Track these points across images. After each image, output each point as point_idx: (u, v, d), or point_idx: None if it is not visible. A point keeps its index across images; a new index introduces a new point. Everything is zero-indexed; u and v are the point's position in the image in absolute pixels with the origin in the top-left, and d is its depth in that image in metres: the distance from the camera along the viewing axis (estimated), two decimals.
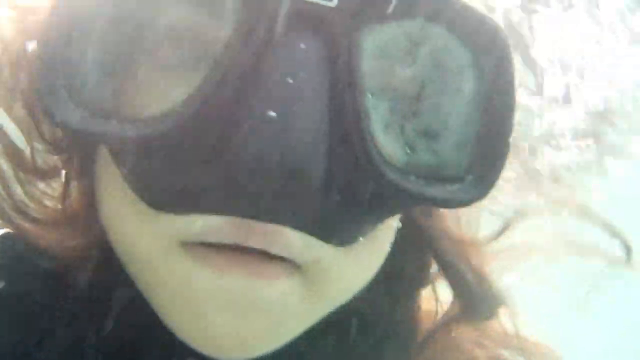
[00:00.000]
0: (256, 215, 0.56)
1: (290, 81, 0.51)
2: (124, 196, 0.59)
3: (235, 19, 0.54)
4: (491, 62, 0.59)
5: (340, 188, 0.56)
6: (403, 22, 0.57)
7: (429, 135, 0.61)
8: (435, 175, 0.60)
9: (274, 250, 0.57)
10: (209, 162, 0.53)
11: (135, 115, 0.57)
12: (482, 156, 0.60)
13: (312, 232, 0.58)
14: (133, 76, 0.58)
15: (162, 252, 0.60)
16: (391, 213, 0.63)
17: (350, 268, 0.63)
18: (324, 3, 0.53)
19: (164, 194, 0.57)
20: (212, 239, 0.57)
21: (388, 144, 0.58)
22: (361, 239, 0.62)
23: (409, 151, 0.60)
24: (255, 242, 0.57)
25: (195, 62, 0.56)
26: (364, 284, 0.68)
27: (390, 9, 0.55)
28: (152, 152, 0.56)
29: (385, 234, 0.66)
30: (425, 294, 0.88)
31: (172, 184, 0.56)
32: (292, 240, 0.58)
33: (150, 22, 0.57)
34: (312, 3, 0.53)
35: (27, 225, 0.77)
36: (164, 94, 0.56)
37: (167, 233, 0.59)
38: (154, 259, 0.61)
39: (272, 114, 0.50)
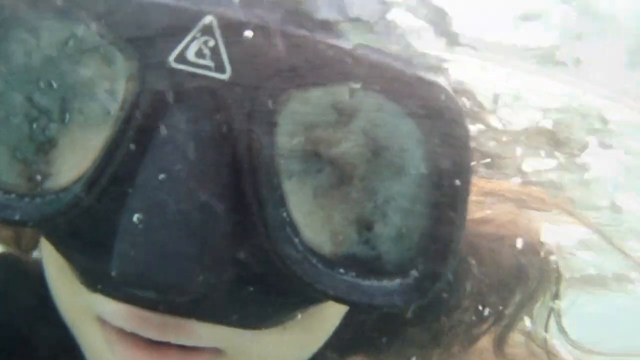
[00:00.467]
0: (151, 307, 0.51)
1: (176, 173, 0.45)
2: (57, 263, 0.58)
3: (120, 101, 0.49)
4: (441, 137, 0.49)
5: (248, 279, 0.51)
6: (327, 88, 0.48)
7: (362, 223, 0.52)
8: (371, 269, 0.52)
9: (176, 341, 0.53)
10: (99, 249, 0.49)
11: (30, 191, 0.54)
12: (429, 248, 0.51)
13: (219, 321, 0.54)
14: (26, 155, 0.55)
15: (83, 322, 0.59)
16: (320, 301, 0.57)
17: (281, 348, 0.59)
18: (215, 75, 0.45)
19: (76, 268, 0.56)
20: (113, 323, 0.55)
21: (310, 233, 0.51)
22: (299, 316, 0.57)
23: (337, 240, 0.53)
24: (152, 334, 0.53)
25: (86, 149, 0.52)
26: (304, 358, 0.64)
27: (305, 75, 0.46)
28: (54, 229, 0.54)
29: (327, 309, 0.61)
30: None
31: (77, 261, 0.55)
32: (193, 331, 0.53)
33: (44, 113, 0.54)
34: (203, 77, 0.45)
35: None
36: (55, 174, 0.54)
37: (86, 306, 0.57)
38: (77, 327, 0.61)
39: (141, 216, 0.45)
